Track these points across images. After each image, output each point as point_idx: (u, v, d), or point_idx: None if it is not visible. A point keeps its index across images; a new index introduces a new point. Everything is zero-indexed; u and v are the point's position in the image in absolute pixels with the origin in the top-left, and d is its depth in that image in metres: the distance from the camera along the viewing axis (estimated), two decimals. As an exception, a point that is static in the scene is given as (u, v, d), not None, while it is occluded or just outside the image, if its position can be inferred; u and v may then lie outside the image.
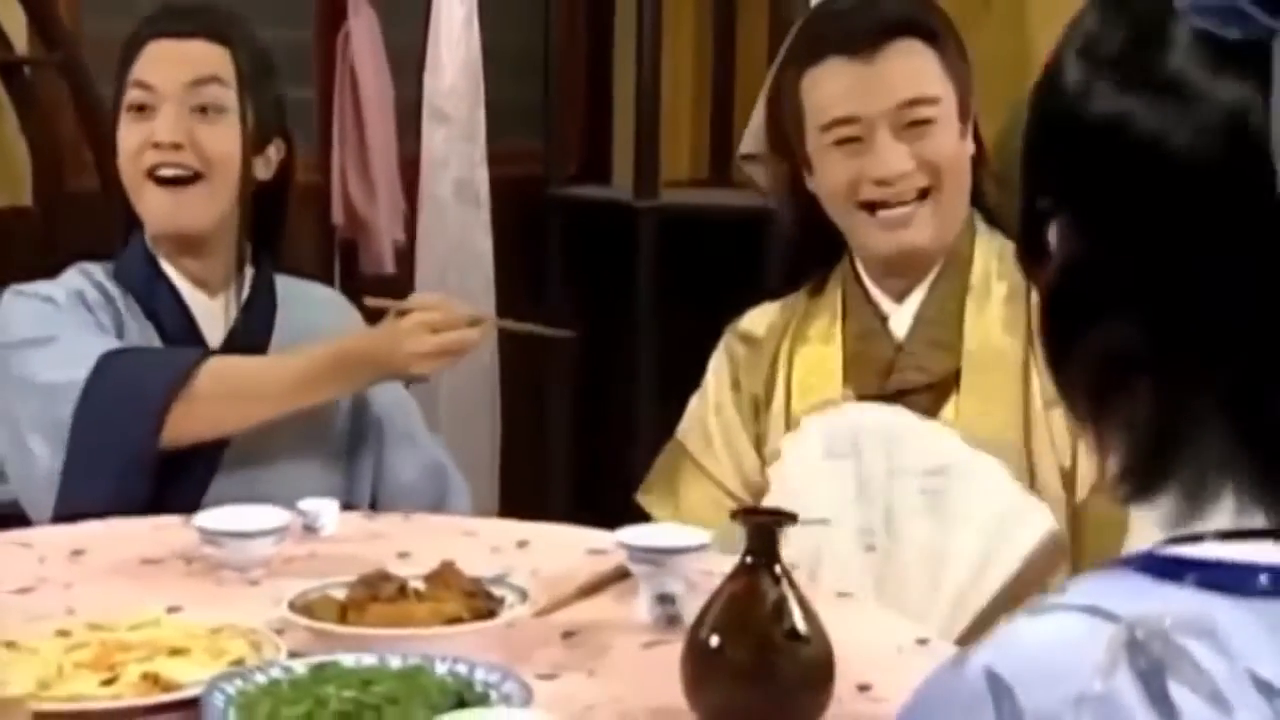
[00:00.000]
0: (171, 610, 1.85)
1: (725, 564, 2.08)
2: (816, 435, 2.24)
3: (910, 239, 2.25)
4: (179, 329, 2.44)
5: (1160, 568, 1.00)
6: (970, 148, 2.28)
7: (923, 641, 1.88)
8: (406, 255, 3.87)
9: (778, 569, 1.59)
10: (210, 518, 2.07)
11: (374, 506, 2.49)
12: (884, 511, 2.16)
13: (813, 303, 2.37)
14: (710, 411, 2.39)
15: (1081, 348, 1.09)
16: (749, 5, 4.63)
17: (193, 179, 2.39)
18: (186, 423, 2.26)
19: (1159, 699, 0.94)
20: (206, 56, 2.41)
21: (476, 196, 3.84)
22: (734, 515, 1.63)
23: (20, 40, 3.77)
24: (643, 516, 2.37)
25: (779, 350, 2.37)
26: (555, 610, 1.91)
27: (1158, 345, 1.04)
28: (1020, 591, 2.14)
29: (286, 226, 2.60)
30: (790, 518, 1.62)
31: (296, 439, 2.41)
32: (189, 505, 2.26)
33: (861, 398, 2.28)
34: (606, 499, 2.44)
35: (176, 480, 2.31)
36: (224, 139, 2.40)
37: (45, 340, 2.32)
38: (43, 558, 2.07)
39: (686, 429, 2.42)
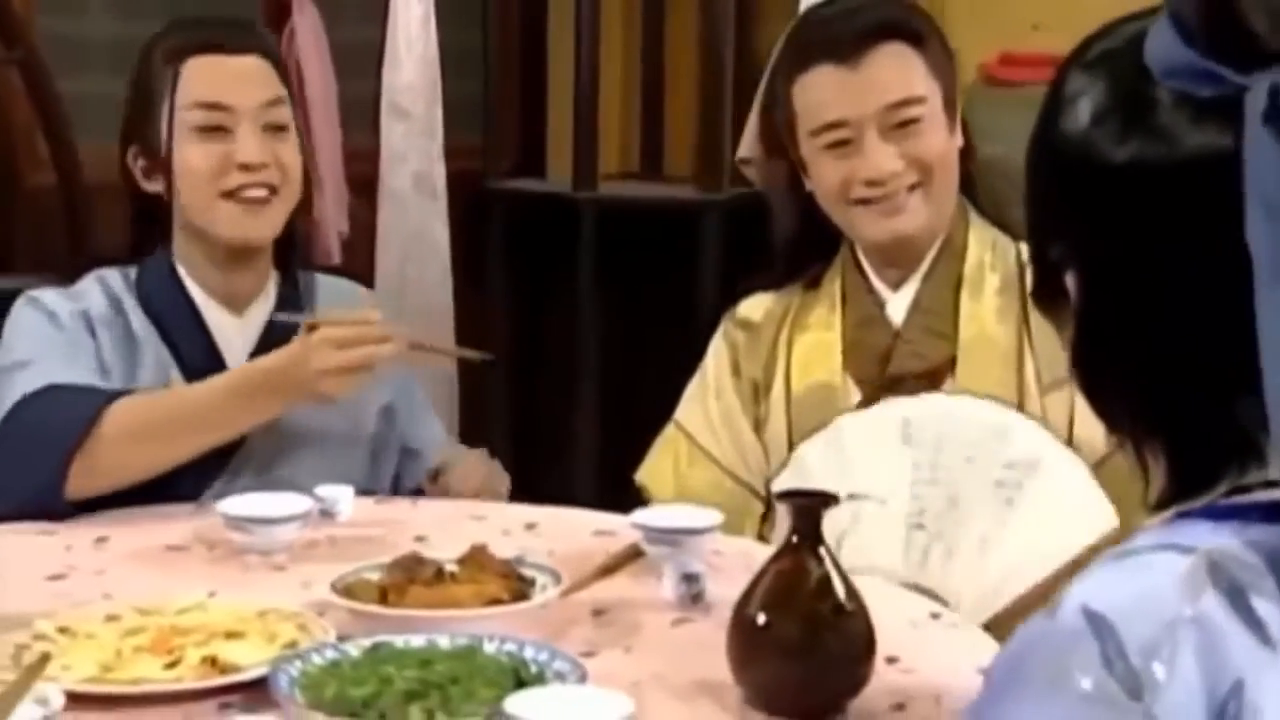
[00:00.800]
0: (210, 595, 1.84)
1: (732, 544, 2.13)
2: (893, 419, 2.22)
3: (903, 226, 2.28)
4: (196, 351, 2.37)
5: (1223, 512, 1.06)
6: (958, 141, 2.31)
7: (935, 615, 1.92)
8: (366, 246, 3.86)
9: (821, 548, 1.61)
10: (235, 504, 2.07)
11: (396, 483, 2.49)
12: (947, 498, 2.16)
13: (810, 293, 2.40)
14: (711, 396, 2.41)
15: (1114, 378, 1.15)
16: (678, 3, 4.65)
17: (268, 196, 2.34)
18: (89, 477, 2.15)
19: (1246, 615, 1.00)
20: (267, 75, 2.37)
21: (434, 189, 3.83)
22: (779, 496, 1.65)
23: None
24: (570, 502, 2.39)
25: (778, 336, 2.39)
26: (578, 590, 1.92)
27: (1179, 372, 1.09)
28: (1059, 583, 2.16)
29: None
30: (833, 499, 1.64)
31: (327, 440, 2.39)
32: (194, 494, 2.26)
33: (859, 383, 2.31)
34: (547, 484, 2.44)
35: (182, 476, 2.26)
36: (293, 154, 2.37)
37: (26, 364, 2.26)
38: (69, 545, 2.05)
39: (686, 412, 2.44)
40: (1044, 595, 2.13)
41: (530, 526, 2.21)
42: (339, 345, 2.12)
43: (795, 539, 1.62)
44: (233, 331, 2.40)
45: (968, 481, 2.17)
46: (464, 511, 2.28)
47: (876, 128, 2.25)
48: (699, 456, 2.39)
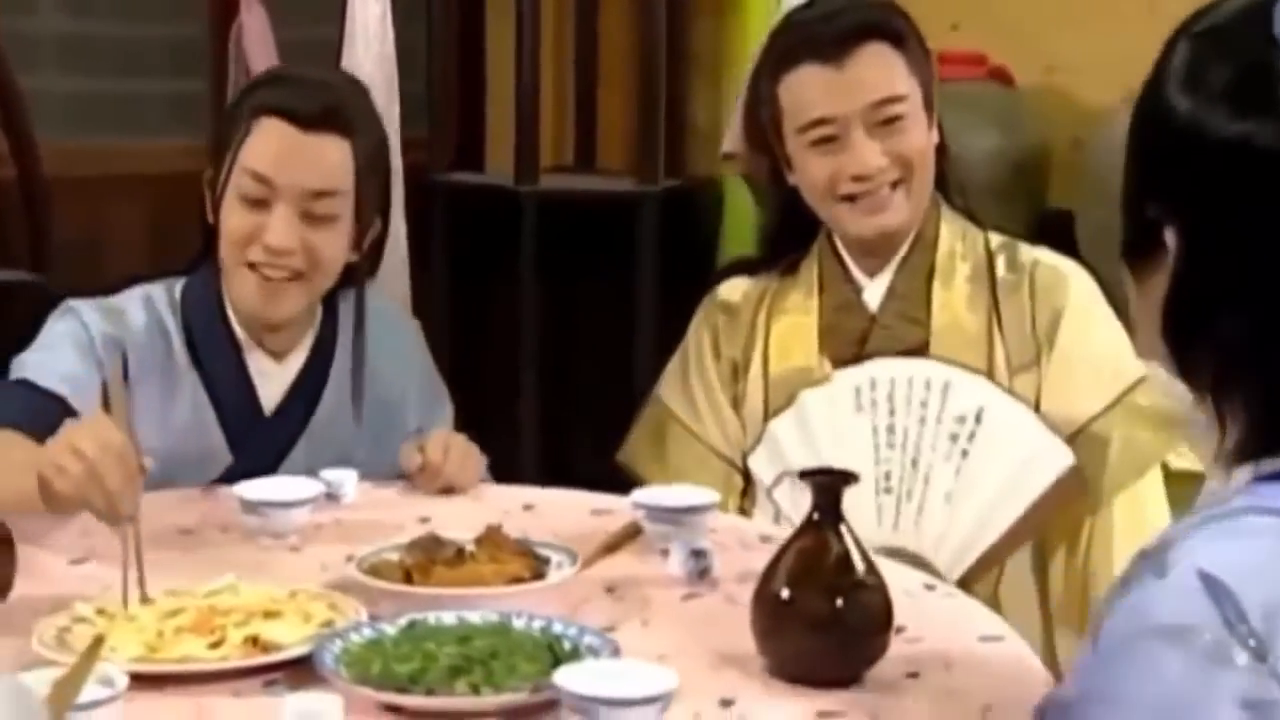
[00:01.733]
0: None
1: (723, 520, 2.15)
2: (846, 388, 2.29)
3: (886, 222, 2.32)
4: (233, 393, 2.30)
5: None
6: (935, 137, 2.35)
7: (930, 587, 1.95)
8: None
9: (842, 525, 1.63)
10: (249, 488, 2.06)
11: None
12: (911, 458, 2.23)
13: (787, 279, 2.42)
14: (693, 375, 2.43)
15: (1201, 337, 1.16)
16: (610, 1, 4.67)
17: (293, 278, 2.23)
18: None
19: None
20: (331, 160, 2.21)
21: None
22: (801, 476, 1.67)
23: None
24: (513, 482, 2.40)
25: (756, 319, 2.42)
26: (587, 567, 1.92)
27: (1266, 335, 1.12)
28: (1032, 528, 2.24)
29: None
30: (853, 477, 1.66)
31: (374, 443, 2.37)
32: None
33: (835, 365, 2.34)
34: (490, 467, 2.44)
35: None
36: (332, 245, 2.24)
37: (32, 363, 2.22)
38: (85, 530, 2.03)
39: (668, 392, 2.45)
40: (1016, 540, 2.23)
41: (528, 507, 2.22)
42: (77, 456, 1.80)
43: (816, 516, 1.64)
44: (273, 376, 2.33)
45: (924, 440, 2.25)
46: (462, 494, 2.28)
47: (862, 125, 2.28)
48: (682, 434, 2.41)
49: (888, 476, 2.25)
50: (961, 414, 2.25)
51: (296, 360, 2.35)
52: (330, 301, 2.37)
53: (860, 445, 2.27)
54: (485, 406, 4.75)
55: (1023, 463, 2.22)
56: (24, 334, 3.05)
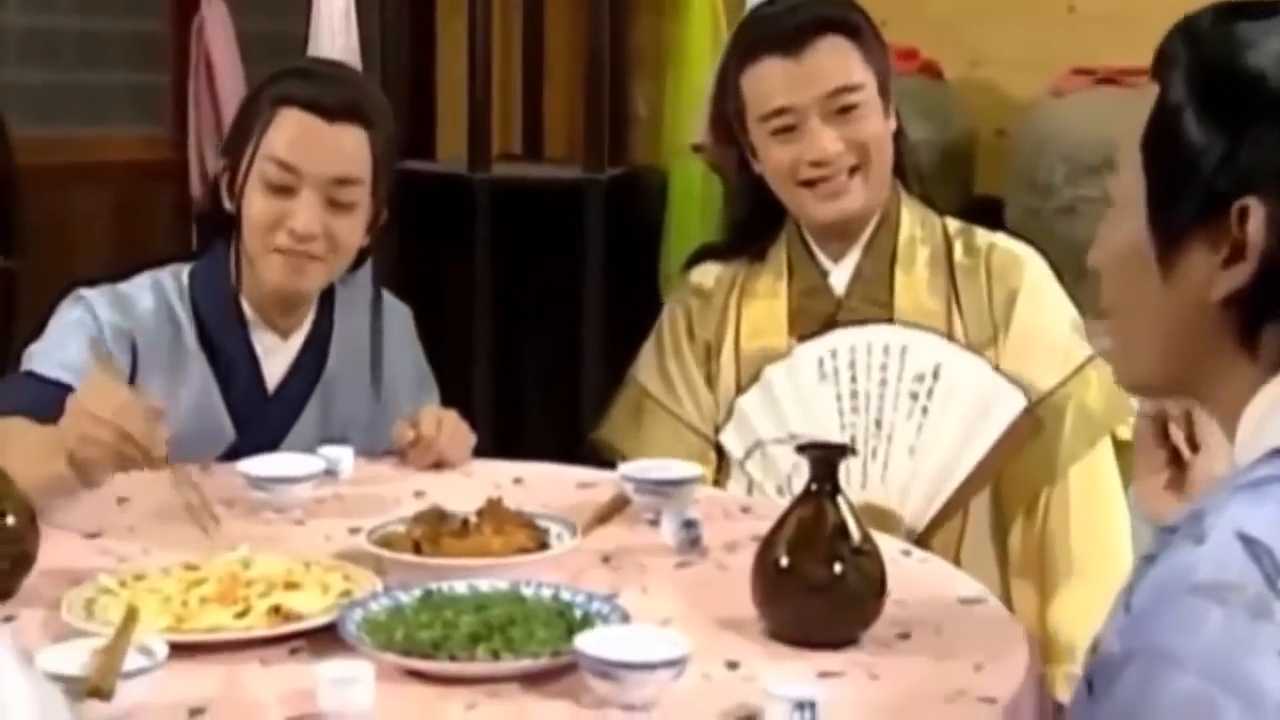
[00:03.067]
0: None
1: (706, 493, 2.16)
2: (809, 360, 2.32)
3: (844, 206, 2.33)
4: (241, 374, 2.29)
5: None
6: (892, 125, 2.36)
7: (906, 553, 1.96)
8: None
9: (839, 496, 1.64)
10: (254, 465, 2.05)
11: None
12: (874, 419, 2.26)
13: (756, 264, 2.43)
14: (669, 356, 2.43)
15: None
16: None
17: (314, 259, 2.23)
18: None
19: None
20: (351, 150, 2.22)
21: (358, 171, 3.79)
22: (800, 449, 1.67)
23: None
24: None
25: (728, 302, 2.42)
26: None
27: None
28: (990, 472, 2.27)
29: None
30: (850, 450, 1.67)
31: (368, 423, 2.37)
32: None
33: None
34: None
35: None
36: (352, 231, 2.24)
37: (41, 354, 2.19)
38: (97, 506, 2.01)
39: (644, 373, 2.45)
40: (976, 484, 2.27)
41: (518, 481, 2.21)
42: (96, 420, 1.84)
43: (814, 487, 1.65)
44: (277, 355, 2.32)
45: (886, 402, 2.28)
46: (453, 469, 2.28)
47: (818, 113, 2.30)
48: (659, 412, 2.41)
49: (853, 440, 2.27)
50: (920, 373, 2.28)
51: (298, 338, 2.34)
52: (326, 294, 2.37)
53: (825, 413, 2.29)
54: (440, 382, 4.76)
55: (979, 411, 2.26)
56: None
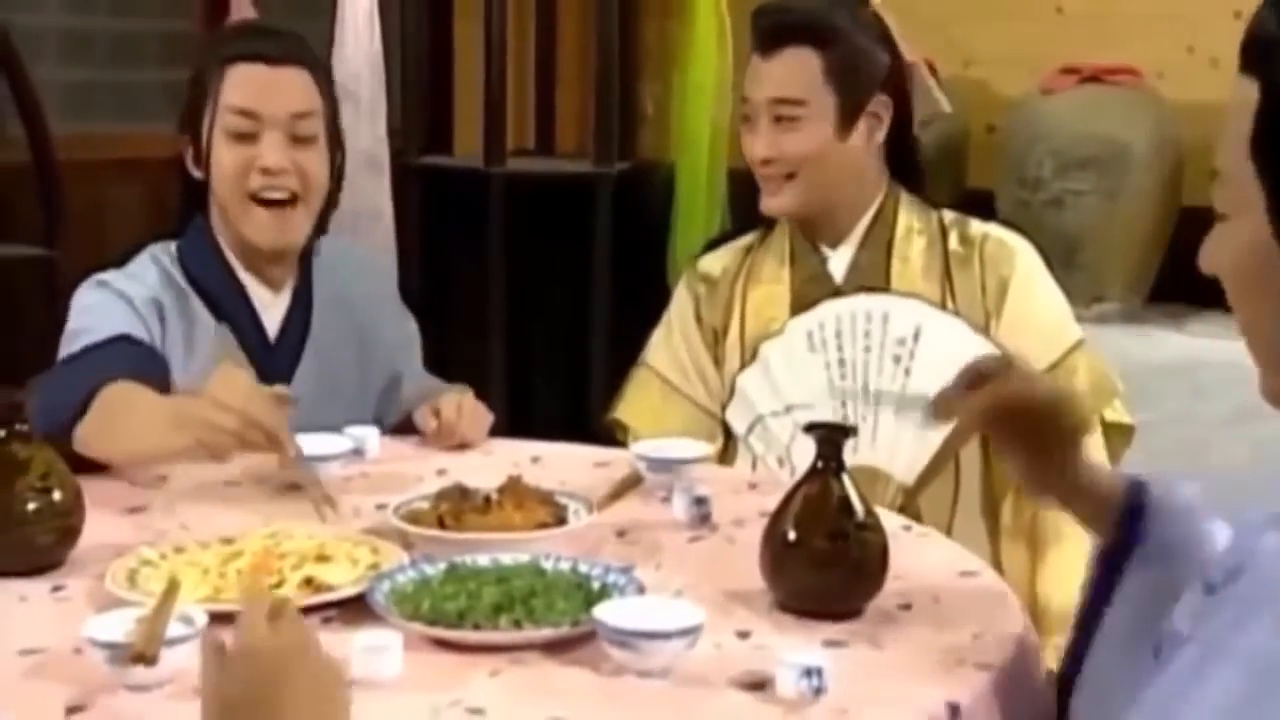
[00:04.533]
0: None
1: (715, 470, 2.16)
2: (799, 334, 2.33)
3: (770, 205, 2.39)
4: (247, 325, 2.32)
5: None
6: (857, 140, 2.35)
7: (907, 528, 1.96)
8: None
9: (844, 473, 1.64)
10: (285, 444, 2.04)
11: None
12: (862, 385, 2.28)
13: (762, 248, 2.44)
14: (678, 340, 2.44)
15: None
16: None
17: (292, 200, 2.27)
18: (84, 448, 1.96)
19: None
20: (302, 87, 2.28)
21: (380, 166, 3.79)
22: (806, 429, 1.67)
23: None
24: None
25: (734, 288, 2.43)
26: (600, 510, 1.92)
27: None
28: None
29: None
30: (852, 430, 1.67)
31: (360, 390, 2.39)
32: None
33: None
34: None
35: None
36: (318, 164, 2.29)
37: (89, 330, 2.18)
38: (134, 483, 2.01)
39: (655, 357, 2.46)
40: (960, 438, 2.20)
41: (536, 460, 2.21)
42: (224, 409, 1.86)
43: (820, 464, 1.65)
44: (271, 306, 2.35)
45: (870, 367, 2.30)
46: (474, 449, 2.28)
47: (767, 115, 2.32)
48: (671, 394, 2.42)
49: (844, 405, 2.28)
50: (901, 336, 2.29)
51: (287, 292, 2.37)
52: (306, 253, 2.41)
53: (816, 382, 2.31)
54: (455, 366, 4.77)
55: (959, 361, 2.24)
56: (36, 303, 3.00)
